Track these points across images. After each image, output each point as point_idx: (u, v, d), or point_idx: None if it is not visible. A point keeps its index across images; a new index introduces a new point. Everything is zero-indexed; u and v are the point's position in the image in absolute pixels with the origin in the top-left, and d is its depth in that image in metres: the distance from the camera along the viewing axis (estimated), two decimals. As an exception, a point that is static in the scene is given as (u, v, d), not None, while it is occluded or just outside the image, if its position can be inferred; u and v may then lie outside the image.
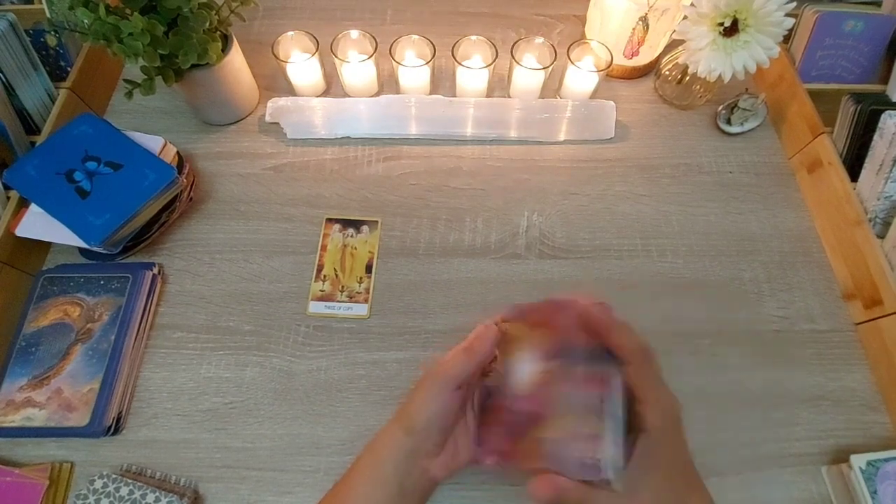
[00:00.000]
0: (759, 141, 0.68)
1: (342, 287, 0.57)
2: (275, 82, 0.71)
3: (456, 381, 0.38)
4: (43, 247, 0.58)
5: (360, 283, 0.58)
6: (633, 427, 0.33)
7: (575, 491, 0.33)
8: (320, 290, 0.57)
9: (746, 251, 0.61)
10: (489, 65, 0.64)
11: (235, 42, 0.61)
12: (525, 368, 0.36)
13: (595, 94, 0.68)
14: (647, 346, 0.34)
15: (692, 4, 0.57)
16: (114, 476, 0.47)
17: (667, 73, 0.69)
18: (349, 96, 0.69)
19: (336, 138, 0.67)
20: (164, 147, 0.58)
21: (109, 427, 0.49)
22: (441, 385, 0.38)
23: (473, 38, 0.66)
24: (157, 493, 0.46)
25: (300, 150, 0.66)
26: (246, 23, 0.64)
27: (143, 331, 0.54)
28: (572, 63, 0.64)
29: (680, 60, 0.64)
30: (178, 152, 0.60)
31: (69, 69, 0.64)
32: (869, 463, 0.46)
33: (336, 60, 0.65)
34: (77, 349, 0.51)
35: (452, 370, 0.38)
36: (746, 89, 0.68)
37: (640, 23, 0.64)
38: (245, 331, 0.55)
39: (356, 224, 0.61)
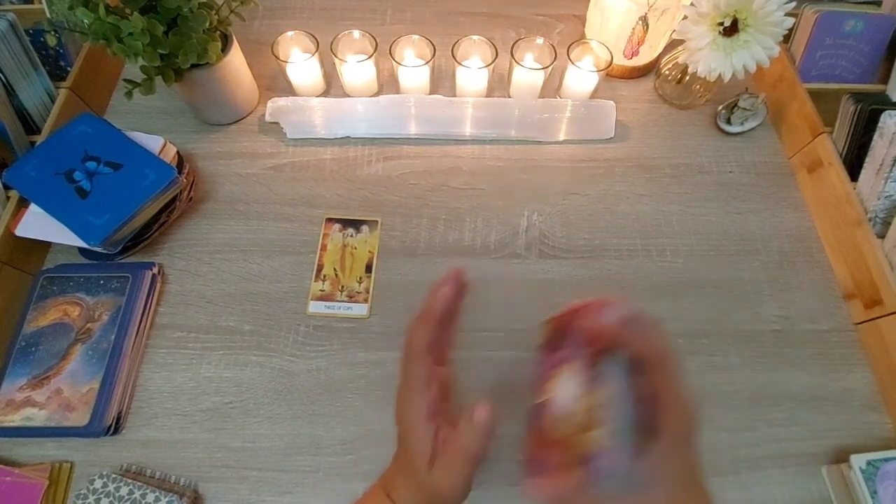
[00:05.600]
0: (759, 141, 0.68)
1: (342, 287, 0.57)
2: (275, 82, 0.71)
3: (421, 353, 0.37)
4: (43, 247, 0.58)
5: (359, 282, 0.58)
6: (648, 431, 0.32)
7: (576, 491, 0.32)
8: (320, 290, 0.57)
9: (746, 251, 0.60)
10: (489, 65, 0.64)
11: (235, 42, 0.61)
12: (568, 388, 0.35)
13: (595, 94, 0.68)
14: (666, 348, 0.33)
15: (692, 4, 0.57)
16: (113, 476, 0.47)
17: (667, 72, 0.69)
18: (349, 96, 0.69)
19: (336, 138, 0.67)
20: (163, 147, 0.58)
21: (109, 427, 0.49)
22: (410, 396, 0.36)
23: (473, 38, 0.66)
24: (157, 493, 0.46)
25: (300, 149, 0.66)
26: (246, 23, 0.64)
27: (143, 331, 0.54)
28: (572, 63, 0.64)
29: (680, 60, 0.64)
30: (177, 152, 0.60)
31: (69, 69, 0.64)
32: (869, 463, 0.46)
33: (336, 60, 0.65)
34: (77, 349, 0.51)
35: (415, 339, 0.38)
36: (746, 89, 0.68)
37: (640, 23, 0.64)
38: (245, 331, 0.55)
39: (356, 224, 0.61)
